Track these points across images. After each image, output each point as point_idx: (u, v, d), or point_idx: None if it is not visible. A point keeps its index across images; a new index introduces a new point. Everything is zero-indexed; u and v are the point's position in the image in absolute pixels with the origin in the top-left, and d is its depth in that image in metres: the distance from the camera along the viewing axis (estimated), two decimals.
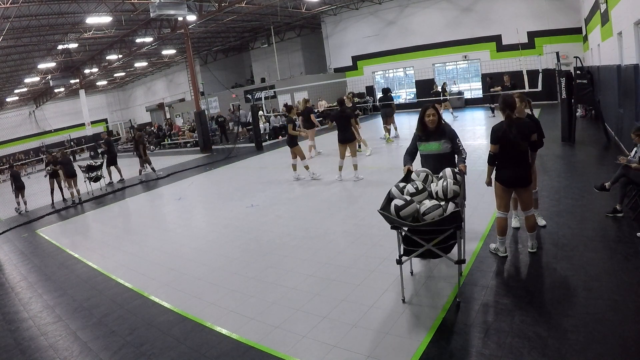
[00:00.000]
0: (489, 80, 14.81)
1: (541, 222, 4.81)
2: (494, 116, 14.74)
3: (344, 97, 10.28)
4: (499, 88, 10.30)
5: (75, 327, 4.14)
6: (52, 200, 11.23)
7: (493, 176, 4.21)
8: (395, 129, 12.97)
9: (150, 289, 4.79)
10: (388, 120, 12.57)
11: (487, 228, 5.01)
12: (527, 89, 10.48)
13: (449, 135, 4.25)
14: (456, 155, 4.31)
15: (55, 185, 11.41)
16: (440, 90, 15.56)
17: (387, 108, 12.55)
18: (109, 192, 11.94)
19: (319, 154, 11.95)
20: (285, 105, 9.11)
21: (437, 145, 4.27)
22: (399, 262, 3.48)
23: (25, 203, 11.16)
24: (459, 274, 3.54)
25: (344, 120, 8.24)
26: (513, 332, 2.99)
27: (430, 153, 4.31)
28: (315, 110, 19.92)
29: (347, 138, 8.30)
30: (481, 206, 5.79)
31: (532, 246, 4.23)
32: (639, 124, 5.96)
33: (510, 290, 3.61)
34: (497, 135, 3.97)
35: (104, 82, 33.46)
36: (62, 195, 11.59)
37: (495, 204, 4.30)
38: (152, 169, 13.54)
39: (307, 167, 9.17)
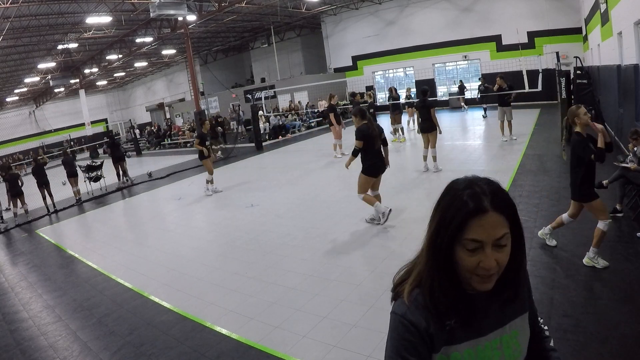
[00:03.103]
0: (483, 80, 14.80)
1: (604, 263, 3.73)
2: (486, 116, 14.81)
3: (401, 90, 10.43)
4: (497, 88, 10.27)
5: (75, 327, 4.14)
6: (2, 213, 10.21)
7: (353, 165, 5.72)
8: (402, 130, 12.83)
9: (150, 289, 4.79)
10: (397, 118, 12.55)
11: None
12: (527, 89, 10.47)
13: (527, 288, 1.08)
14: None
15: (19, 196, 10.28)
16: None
17: (396, 108, 12.54)
18: (109, 192, 11.94)
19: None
20: (200, 118, 9.11)
21: (515, 340, 1.02)
22: None
23: (26, 212, 10.21)
24: None
25: (425, 109, 8.31)
26: None
27: None
28: (317, 111, 19.93)
29: (428, 127, 8.28)
30: None
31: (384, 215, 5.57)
32: (636, 126, 5.97)
33: None
34: (363, 134, 5.35)
35: (104, 82, 33.46)
36: (14, 212, 10.33)
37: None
38: (226, 148, 16.09)
39: (209, 182, 9.27)
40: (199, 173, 12.79)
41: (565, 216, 4.13)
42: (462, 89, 18.86)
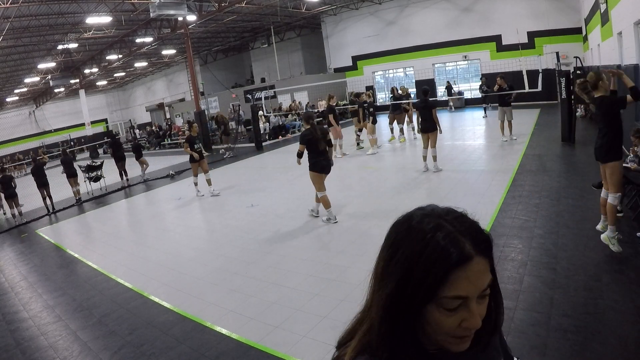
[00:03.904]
0: (484, 79, 14.89)
1: (618, 248, 3.84)
2: (486, 116, 14.88)
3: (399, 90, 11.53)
4: (497, 88, 10.27)
5: (75, 327, 4.14)
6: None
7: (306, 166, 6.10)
8: (401, 130, 12.81)
9: (150, 289, 4.79)
10: (397, 118, 12.54)
11: (487, 227, 4.99)
12: (527, 89, 10.47)
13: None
14: None
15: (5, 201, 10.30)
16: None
17: (397, 108, 12.54)
18: (109, 192, 11.94)
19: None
20: (189, 121, 9.19)
21: None
22: None
23: (20, 214, 10.08)
24: None
25: (426, 110, 8.25)
26: (512, 332, 2.99)
27: None
28: (317, 111, 19.93)
29: (428, 127, 8.20)
30: (480, 206, 5.79)
31: (314, 211, 6.32)
32: (638, 125, 5.97)
33: (510, 290, 3.62)
34: (306, 138, 5.88)
35: (104, 82, 33.45)
36: (11, 213, 10.16)
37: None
38: (231, 147, 15.88)
39: (195, 184, 9.49)
40: (199, 173, 12.78)
41: (603, 193, 4.12)
42: (449, 89, 19.49)
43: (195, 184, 9.46)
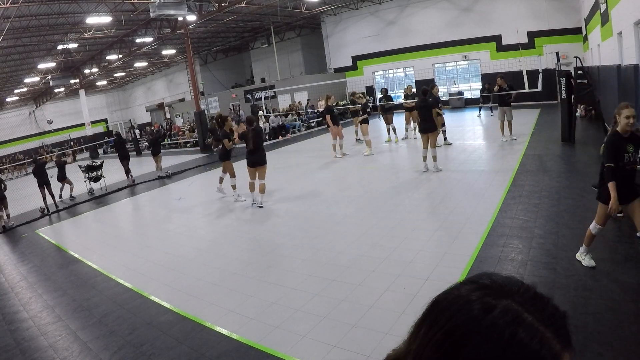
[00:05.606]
0: (488, 85, 14.99)
1: (590, 262, 3.81)
2: (479, 116, 15.23)
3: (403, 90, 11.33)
4: (497, 88, 10.27)
5: (75, 327, 4.14)
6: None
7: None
8: (394, 130, 12.82)
9: (150, 289, 4.79)
10: (389, 118, 12.59)
11: (487, 227, 5.01)
12: (527, 89, 10.47)
13: None
14: None
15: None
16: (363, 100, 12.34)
17: (388, 109, 12.59)
18: (109, 192, 11.94)
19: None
20: (220, 116, 7.83)
21: None
22: None
23: (7, 216, 9.69)
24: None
25: (426, 110, 8.17)
26: None
27: None
28: (317, 111, 19.93)
29: (428, 128, 8.14)
30: (480, 206, 5.80)
31: (259, 202, 7.53)
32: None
33: None
34: (246, 136, 7.21)
35: (104, 82, 33.43)
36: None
37: None
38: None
39: (233, 187, 8.48)
40: (199, 173, 12.80)
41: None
42: (404, 96, 20.15)
43: (234, 187, 8.48)
